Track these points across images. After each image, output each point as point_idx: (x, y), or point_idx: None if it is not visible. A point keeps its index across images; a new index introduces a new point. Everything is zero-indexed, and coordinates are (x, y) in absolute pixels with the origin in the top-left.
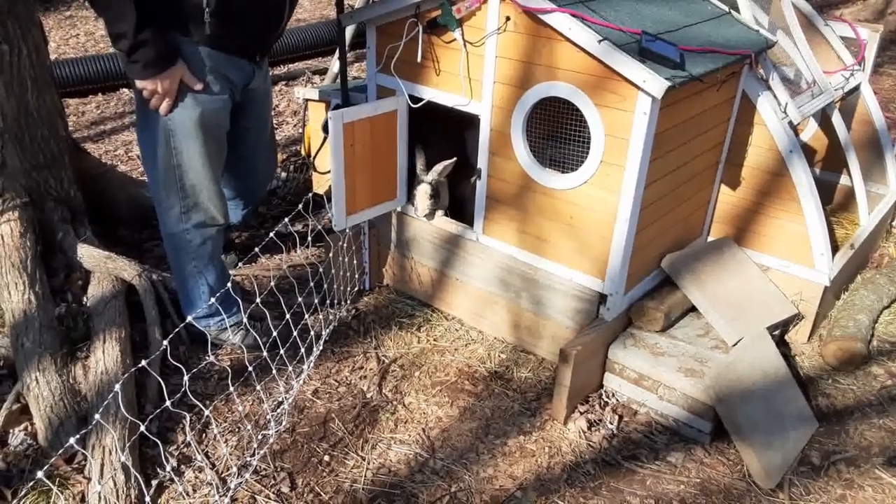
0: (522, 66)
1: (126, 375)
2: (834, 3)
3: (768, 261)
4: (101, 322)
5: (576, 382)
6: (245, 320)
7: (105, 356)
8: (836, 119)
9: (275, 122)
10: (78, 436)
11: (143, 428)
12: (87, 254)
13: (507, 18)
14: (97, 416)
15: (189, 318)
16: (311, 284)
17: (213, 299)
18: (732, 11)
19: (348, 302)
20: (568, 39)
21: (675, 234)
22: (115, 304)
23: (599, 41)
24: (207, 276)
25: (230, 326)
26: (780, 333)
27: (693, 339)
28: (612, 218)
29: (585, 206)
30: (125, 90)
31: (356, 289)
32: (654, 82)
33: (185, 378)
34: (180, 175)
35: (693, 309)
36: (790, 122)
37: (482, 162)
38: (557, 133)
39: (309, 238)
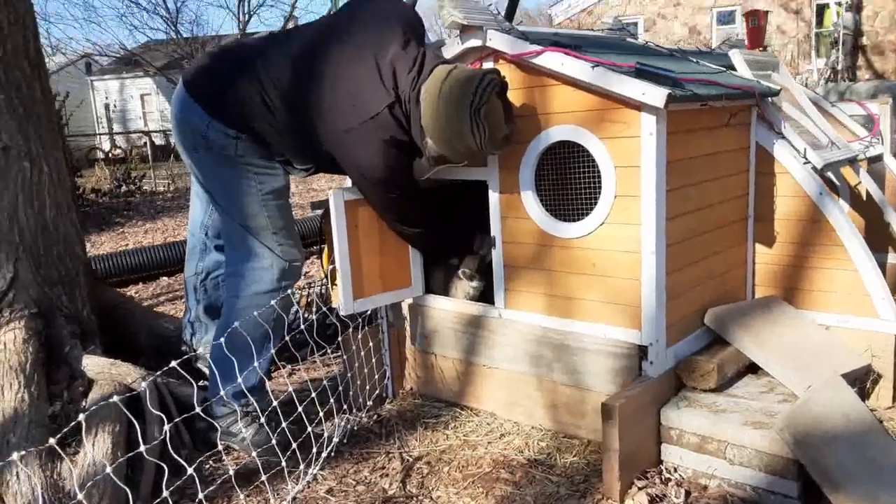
0: (522, 120)
1: (114, 465)
2: None
3: (826, 318)
4: (95, 418)
5: (626, 446)
6: (259, 412)
7: (94, 449)
8: (865, 177)
9: None
10: None
11: None
12: (92, 362)
13: None
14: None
15: (223, 393)
16: (325, 387)
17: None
18: (730, 71)
19: (369, 404)
20: (562, 77)
21: (715, 291)
22: (112, 403)
23: (593, 67)
24: (273, 342)
25: (244, 417)
26: (856, 392)
27: (756, 395)
28: (637, 255)
29: (607, 249)
30: (164, 278)
31: (377, 393)
32: (655, 93)
33: (191, 470)
34: (276, 233)
35: (749, 370)
36: (814, 168)
37: (495, 228)
38: (566, 184)
39: (326, 350)
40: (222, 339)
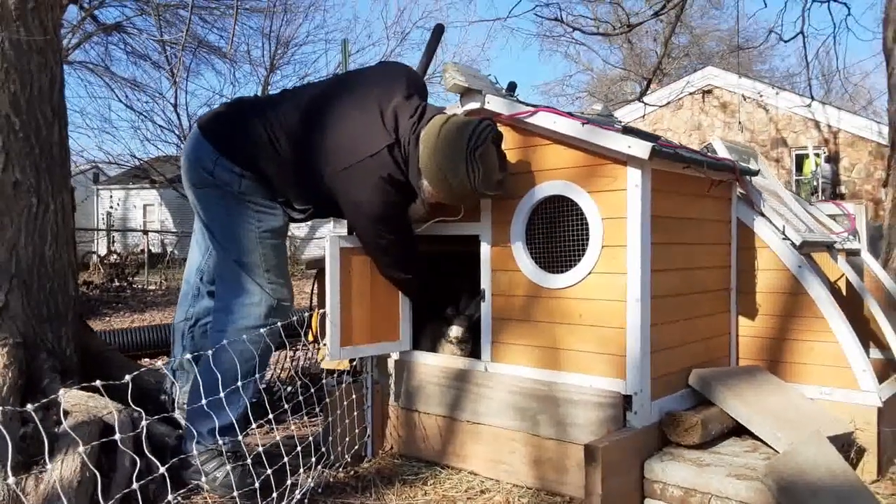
0: (515, 177)
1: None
2: None
3: (809, 391)
4: (66, 440)
5: (609, 494)
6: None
7: (62, 466)
8: (845, 266)
9: None
10: None
11: None
12: (69, 394)
13: None
14: None
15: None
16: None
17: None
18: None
19: (347, 459)
20: (553, 135)
21: (700, 356)
22: (85, 427)
23: (583, 124)
24: (258, 379)
25: (218, 456)
26: None
27: (740, 453)
28: (623, 303)
29: (594, 298)
30: (146, 360)
31: (356, 449)
32: (639, 146)
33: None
34: (268, 271)
35: (733, 433)
36: (793, 244)
37: (485, 281)
38: (555, 237)
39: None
40: (203, 368)
